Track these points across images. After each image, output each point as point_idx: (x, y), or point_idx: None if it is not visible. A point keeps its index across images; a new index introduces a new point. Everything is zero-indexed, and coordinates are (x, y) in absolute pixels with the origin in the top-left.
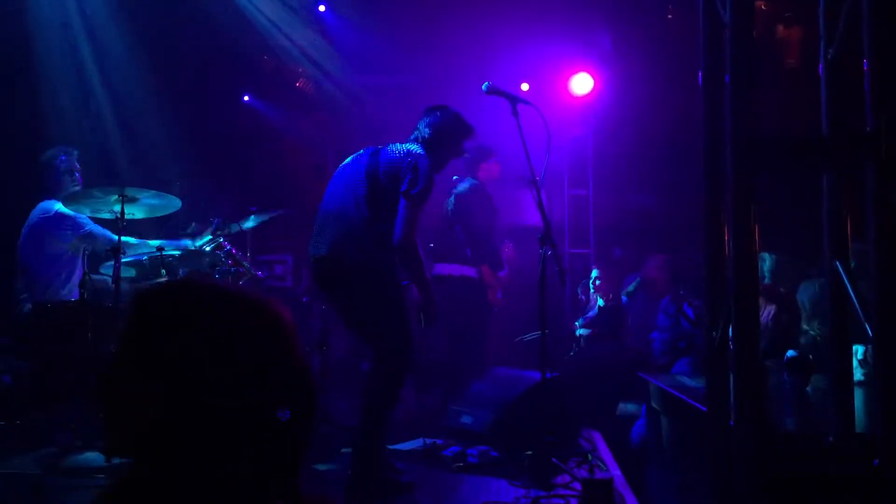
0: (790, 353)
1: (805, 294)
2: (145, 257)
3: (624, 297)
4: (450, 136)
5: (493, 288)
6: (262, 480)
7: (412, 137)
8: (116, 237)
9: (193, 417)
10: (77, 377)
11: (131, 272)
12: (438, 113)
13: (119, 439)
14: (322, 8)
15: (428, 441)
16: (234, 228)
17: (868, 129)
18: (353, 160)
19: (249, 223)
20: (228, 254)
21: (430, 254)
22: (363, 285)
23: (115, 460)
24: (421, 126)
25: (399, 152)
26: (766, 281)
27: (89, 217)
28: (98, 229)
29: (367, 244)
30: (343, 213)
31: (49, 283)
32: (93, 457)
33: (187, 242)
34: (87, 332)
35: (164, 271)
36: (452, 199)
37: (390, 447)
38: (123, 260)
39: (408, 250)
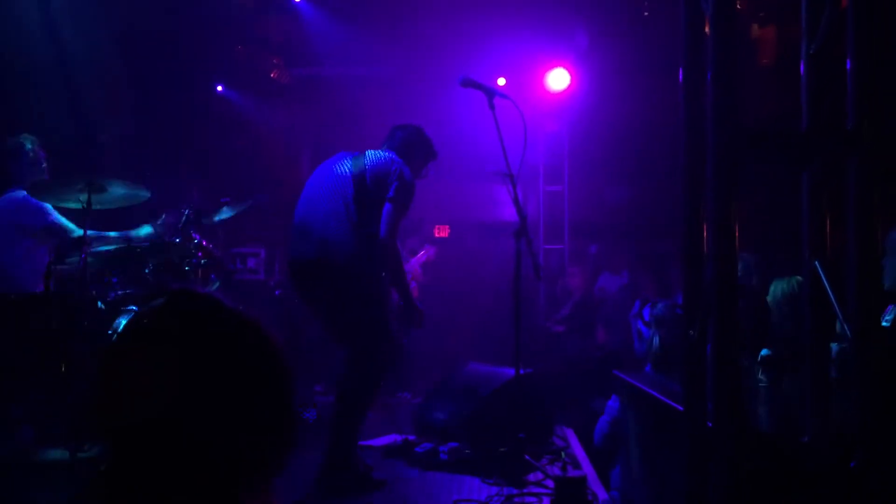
0: (764, 351)
1: (778, 292)
2: (113, 247)
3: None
4: (418, 154)
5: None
6: (237, 484)
7: (389, 145)
8: (81, 230)
9: (187, 416)
10: (40, 370)
11: (99, 262)
12: (409, 130)
13: (109, 421)
14: None
15: (399, 438)
16: (206, 221)
17: (849, 125)
18: (332, 163)
19: (222, 215)
20: (199, 246)
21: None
22: (351, 286)
23: (80, 455)
24: (392, 139)
25: (384, 158)
26: (753, 280)
27: (55, 207)
28: (62, 221)
29: (356, 247)
30: (332, 216)
31: (9, 272)
32: (56, 452)
33: (147, 228)
34: (51, 323)
35: (134, 266)
36: None
37: (362, 443)
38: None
39: (390, 251)
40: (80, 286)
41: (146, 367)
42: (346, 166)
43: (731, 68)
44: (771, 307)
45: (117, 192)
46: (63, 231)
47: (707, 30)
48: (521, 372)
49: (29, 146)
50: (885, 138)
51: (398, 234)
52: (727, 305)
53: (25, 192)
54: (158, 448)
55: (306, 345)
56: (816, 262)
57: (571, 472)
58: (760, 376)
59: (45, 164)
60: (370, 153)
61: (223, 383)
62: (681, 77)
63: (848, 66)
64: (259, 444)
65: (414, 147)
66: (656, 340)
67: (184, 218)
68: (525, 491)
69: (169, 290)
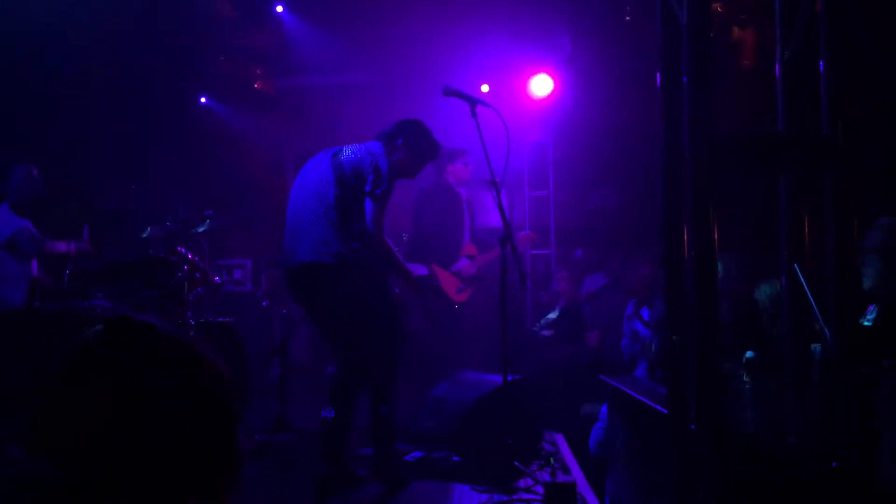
0: (748, 353)
1: (763, 294)
2: (98, 263)
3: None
4: (419, 151)
5: (448, 284)
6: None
7: (380, 136)
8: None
9: (121, 438)
10: (25, 386)
11: (84, 277)
12: (403, 124)
13: (45, 440)
14: (280, 8)
15: None
16: (191, 233)
17: (824, 129)
18: (314, 164)
19: (204, 227)
20: (185, 259)
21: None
22: (345, 285)
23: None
24: (392, 133)
25: (360, 152)
26: (733, 281)
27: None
28: (21, 240)
29: (342, 245)
30: (315, 218)
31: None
32: None
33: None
34: (37, 340)
35: (119, 280)
36: None
37: (352, 452)
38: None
39: (378, 243)
40: (65, 302)
41: (82, 391)
42: (324, 166)
43: (707, 75)
44: (758, 309)
45: None
46: (20, 247)
47: (682, 34)
48: (509, 378)
49: (32, 172)
50: (860, 140)
51: (383, 224)
52: (707, 310)
53: (7, 206)
54: (93, 470)
55: (293, 356)
56: (795, 265)
57: (561, 478)
58: (745, 378)
59: (38, 184)
60: (346, 148)
61: (158, 405)
62: (658, 83)
63: (822, 70)
64: (201, 466)
65: (398, 138)
66: (656, 343)
67: (167, 230)
68: (515, 497)
69: (107, 317)
